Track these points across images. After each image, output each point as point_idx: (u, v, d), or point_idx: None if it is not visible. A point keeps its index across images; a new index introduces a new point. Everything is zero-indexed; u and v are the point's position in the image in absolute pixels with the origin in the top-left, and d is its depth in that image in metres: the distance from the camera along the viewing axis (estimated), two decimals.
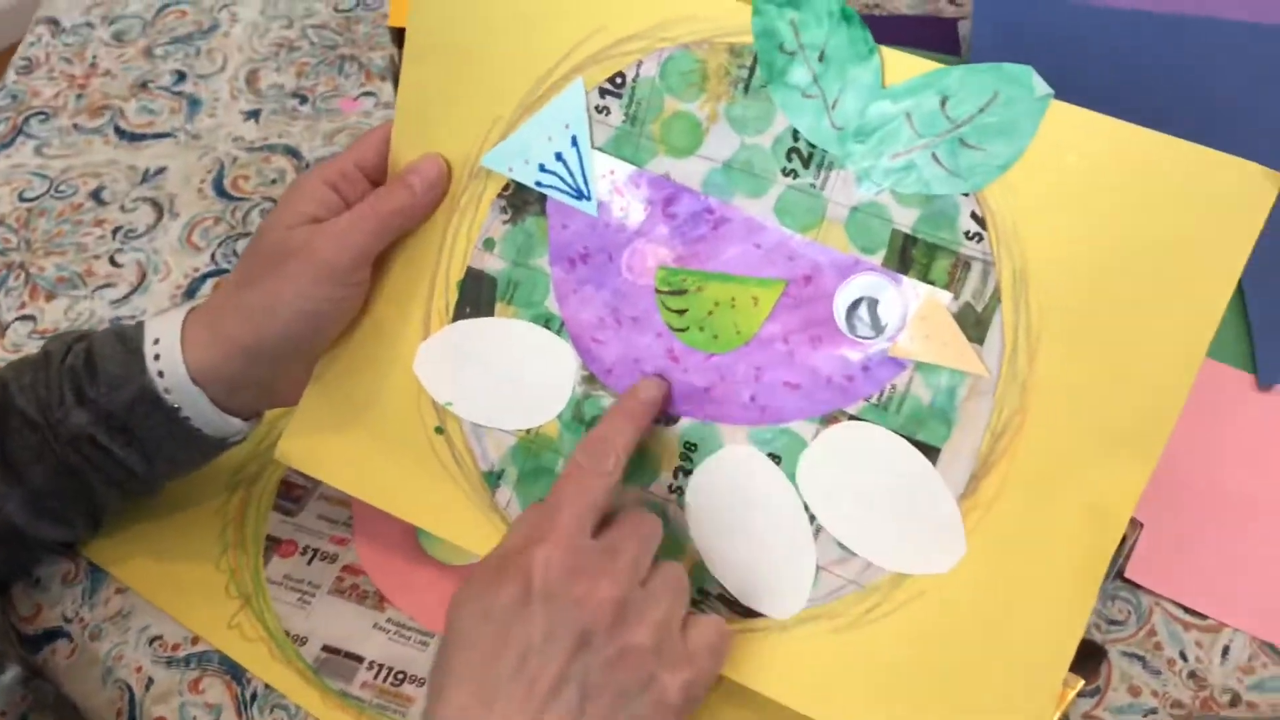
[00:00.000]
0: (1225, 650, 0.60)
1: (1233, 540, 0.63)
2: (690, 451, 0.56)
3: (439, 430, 0.59)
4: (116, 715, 0.61)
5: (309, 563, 0.65)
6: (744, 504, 0.55)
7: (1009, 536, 0.51)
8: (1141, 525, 0.63)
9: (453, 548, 0.65)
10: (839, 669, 0.53)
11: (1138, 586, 0.62)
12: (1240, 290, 0.75)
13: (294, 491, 0.68)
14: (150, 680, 0.61)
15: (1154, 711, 0.57)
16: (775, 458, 0.54)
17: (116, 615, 0.64)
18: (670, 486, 0.56)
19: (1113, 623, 0.61)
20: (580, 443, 0.53)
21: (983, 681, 0.52)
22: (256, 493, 0.68)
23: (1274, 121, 0.80)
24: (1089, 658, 0.59)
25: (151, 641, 0.63)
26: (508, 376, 0.58)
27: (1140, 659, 0.59)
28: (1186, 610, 0.61)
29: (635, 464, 0.56)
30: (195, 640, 0.63)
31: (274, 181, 0.86)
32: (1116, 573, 0.62)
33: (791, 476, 0.54)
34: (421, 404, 0.59)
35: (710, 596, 0.55)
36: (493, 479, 0.58)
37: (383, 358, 0.60)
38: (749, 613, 0.55)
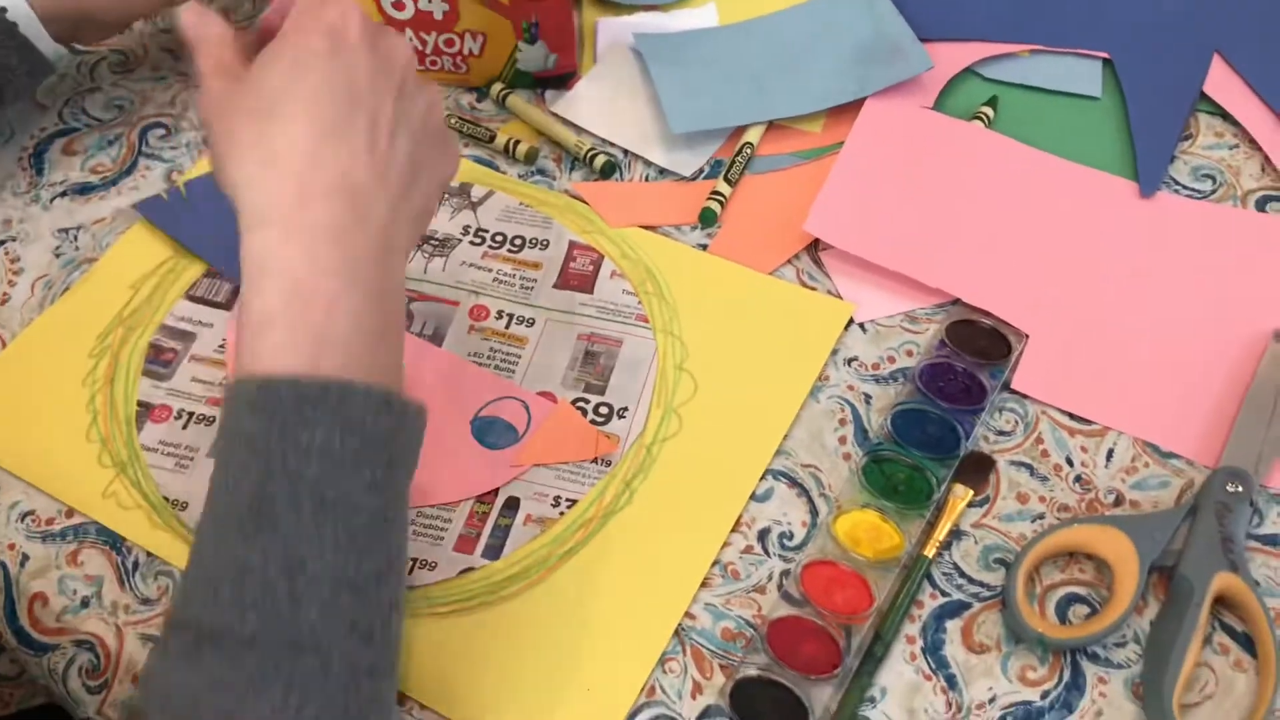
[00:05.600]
0: (1109, 453, 0.60)
1: (1114, 346, 0.63)
2: None
3: None
4: None
5: (184, 427, 0.63)
6: None
7: None
8: (1027, 336, 0.63)
9: None
10: None
11: (1024, 396, 0.62)
12: (1123, 99, 0.74)
13: (163, 355, 0.65)
14: (25, 556, 0.59)
15: (1041, 516, 0.58)
16: None
17: None
18: None
19: (1001, 433, 0.61)
20: None
21: None
22: (124, 359, 0.65)
23: None
24: (978, 469, 0.59)
25: (24, 517, 0.60)
26: None
27: (1028, 467, 0.60)
28: (1071, 416, 0.61)
29: None
30: (70, 512, 0.60)
31: None
32: (1004, 384, 0.62)
33: None
34: None
35: None
36: None
37: None
38: None
